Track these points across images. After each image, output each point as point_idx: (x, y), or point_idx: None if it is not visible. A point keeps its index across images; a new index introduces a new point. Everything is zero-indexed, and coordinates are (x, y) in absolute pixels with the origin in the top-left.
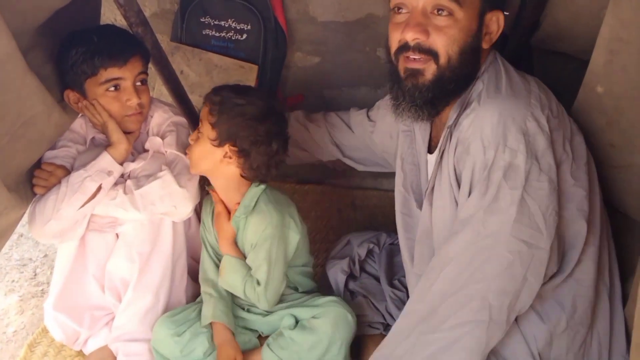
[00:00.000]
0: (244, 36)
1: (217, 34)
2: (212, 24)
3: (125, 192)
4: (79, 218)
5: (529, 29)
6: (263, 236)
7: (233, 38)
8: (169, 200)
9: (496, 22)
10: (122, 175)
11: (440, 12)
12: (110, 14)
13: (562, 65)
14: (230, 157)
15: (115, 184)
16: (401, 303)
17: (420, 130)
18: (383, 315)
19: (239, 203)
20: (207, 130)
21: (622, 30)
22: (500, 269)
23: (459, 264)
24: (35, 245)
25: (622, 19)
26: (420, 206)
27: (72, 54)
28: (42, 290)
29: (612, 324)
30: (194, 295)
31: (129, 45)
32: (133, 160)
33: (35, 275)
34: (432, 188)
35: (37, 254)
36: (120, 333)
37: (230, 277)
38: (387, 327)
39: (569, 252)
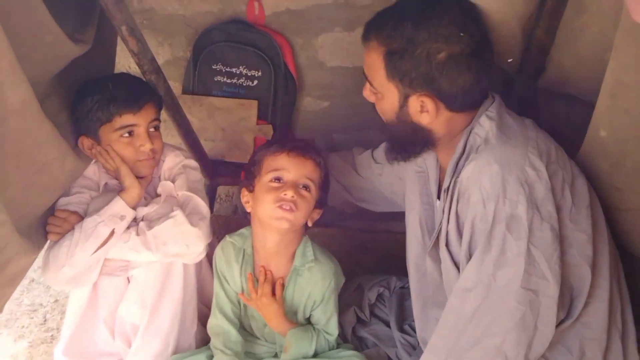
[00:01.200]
0: (255, 82)
1: (229, 81)
2: (223, 70)
3: (137, 234)
4: (93, 263)
5: (534, 72)
6: (330, 288)
7: (244, 84)
8: (181, 240)
9: (428, 104)
10: (134, 220)
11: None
12: (125, 62)
13: (569, 107)
14: (314, 217)
15: (128, 227)
16: (412, 349)
17: (432, 172)
18: None
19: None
20: (313, 189)
21: (623, 74)
22: (514, 322)
23: (473, 320)
24: (46, 290)
25: (623, 62)
26: (426, 249)
27: (88, 101)
28: (52, 336)
29: None
30: (204, 341)
31: (143, 92)
32: (146, 205)
33: (45, 320)
34: (438, 241)
35: (48, 299)
36: None
37: (302, 347)
38: None
39: (575, 297)
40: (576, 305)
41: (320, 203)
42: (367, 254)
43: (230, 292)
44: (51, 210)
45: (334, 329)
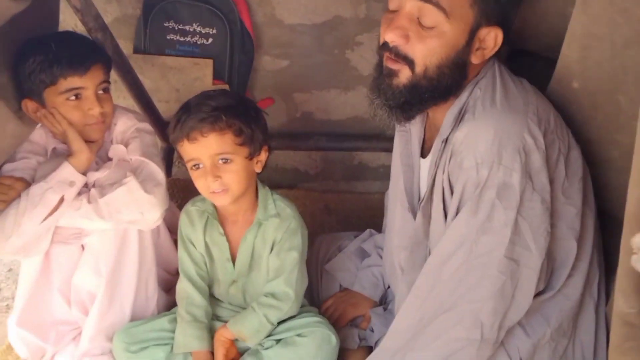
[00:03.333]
0: (210, 40)
1: (182, 39)
2: (176, 28)
3: (89, 202)
4: (42, 232)
5: None
6: (289, 231)
7: (199, 42)
8: (135, 207)
9: (493, 38)
10: (86, 186)
11: (424, 25)
12: (71, 20)
13: (530, 64)
14: (262, 160)
15: (79, 194)
16: (383, 313)
17: (415, 131)
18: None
19: (250, 211)
20: (237, 153)
21: (593, 26)
22: (493, 290)
23: (451, 283)
24: None
25: (592, 14)
26: (411, 210)
27: (30, 62)
28: (7, 305)
29: (596, 336)
30: (167, 306)
31: (89, 52)
32: (97, 170)
33: (0, 290)
34: (429, 199)
35: (1, 268)
36: (87, 348)
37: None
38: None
39: (558, 270)
40: (558, 278)
41: (260, 144)
42: (331, 215)
43: (195, 254)
44: None
45: (286, 275)
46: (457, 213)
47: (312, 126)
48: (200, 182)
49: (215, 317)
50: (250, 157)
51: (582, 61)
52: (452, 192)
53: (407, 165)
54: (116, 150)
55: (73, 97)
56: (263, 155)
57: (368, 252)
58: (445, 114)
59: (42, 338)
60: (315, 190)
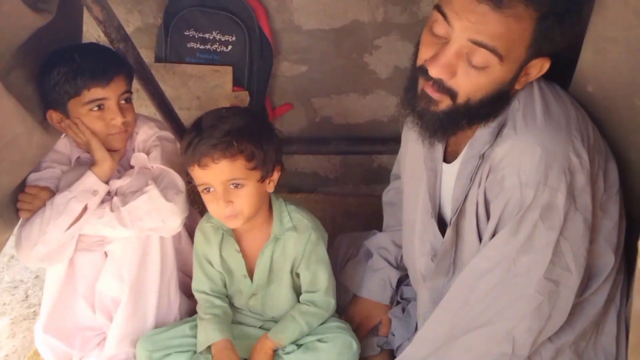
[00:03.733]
0: (229, 47)
1: (202, 47)
2: (196, 36)
3: (111, 210)
4: (67, 240)
5: None
6: (310, 243)
7: (218, 50)
8: (156, 215)
9: (539, 67)
10: (108, 194)
11: (473, 64)
12: (94, 31)
13: (552, 65)
14: (274, 179)
15: (102, 202)
16: (403, 316)
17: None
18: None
19: (266, 225)
20: (249, 177)
21: (608, 28)
22: (529, 310)
23: (486, 300)
24: (26, 266)
25: (607, 16)
26: (434, 216)
27: (54, 74)
28: (34, 312)
29: (618, 340)
30: (189, 312)
31: (112, 64)
32: (119, 178)
33: (27, 297)
34: (460, 213)
35: (29, 276)
36: (112, 353)
37: (290, 335)
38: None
39: (593, 279)
40: (590, 286)
41: (272, 165)
42: (351, 219)
43: (210, 271)
44: (22, 187)
45: (323, 286)
46: (495, 230)
47: (331, 130)
48: (212, 206)
49: (236, 322)
50: (262, 179)
51: (597, 65)
52: (486, 208)
53: (431, 170)
54: (138, 159)
55: (96, 108)
56: (276, 175)
57: (372, 253)
58: (478, 127)
59: (68, 344)
60: (335, 194)
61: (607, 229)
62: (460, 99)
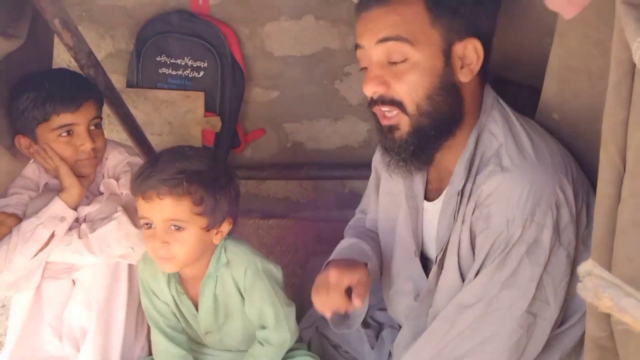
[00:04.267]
0: (201, 73)
1: (174, 72)
2: (168, 62)
3: (79, 237)
4: (34, 267)
5: None
6: (247, 277)
7: (190, 76)
8: (125, 242)
9: (473, 50)
10: (77, 220)
11: (394, 61)
12: (65, 55)
13: (515, 93)
14: (223, 231)
15: (70, 228)
16: (376, 343)
17: (419, 173)
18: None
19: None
20: (193, 222)
21: (570, 58)
22: (510, 344)
23: (467, 333)
24: None
25: (569, 47)
26: (417, 254)
27: (23, 99)
28: (0, 342)
29: None
30: None
31: (81, 89)
32: (88, 204)
33: None
34: (446, 250)
35: None
36: None
37: None
38: None
39: (575, 308)
40: (574, 314)
41: (223, 216)
42: (323, 244)
43: (159, 305)
44: None
45: (271, 323)
46: (480, 267)
47: (303, 156)
48: (149, 244)
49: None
50: (208, 228)
51: (561, 93)
52: (471, 243)
53: (413, 208)
54: (107, 185)
55: (65, 134)
56: (225, 227)
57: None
58: (457, 161)
59: None
60: (308, 219)
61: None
62: (410, 107)
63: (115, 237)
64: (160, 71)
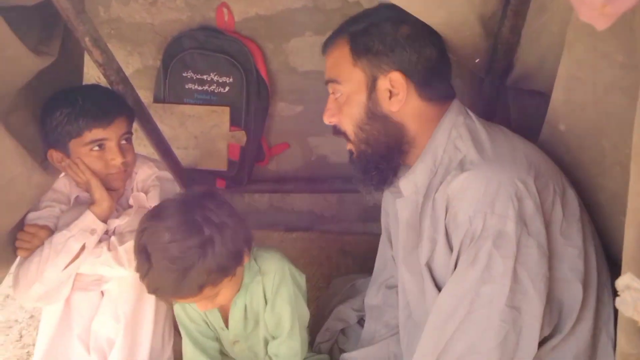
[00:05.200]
0: (227, 89)
1: (200, 88)
2: (194, 78)
3: (109, 249)
4: (64, 279)
5: (503, 71)
6: (274, 282)
7: (216, 91)
8: None
9: (395, 82)
10: (106, 233)
11: (336, 97)
12: (94, 72)
13: (538, 103)
14: (243, 262)
15: (100, 241)
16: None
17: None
18: None
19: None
20: (221, 287)
21: (577, 69)
22: (497, 341)
23: (455, 335)
24: (21, 306)
25: (576, 58)
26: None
27: (56, 115)
28: (28, 352)
29: None
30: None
31: (113, 105)
32: (117, 217)
33: (21, 337)
34: (429, 263)
35: (23, 316)
36: None
37: None
38: None
39: (567, 313)
40: (566, 321)
41: (242, 252)
42: (347, 257)
43: (192, 312)
44: (20, 226)
45: (286, 328)
46: (455, 266)
47: (327, 169)
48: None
49: None
50: (235, 273)
51: (567, 104)
52: (450, 247)
53: (399, 223)
54: (137, 198)
55: (97, 148)
56: (246, 257)
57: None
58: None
59: None
60: (331, 232)
61: (571, 257)
62: (351, 136)
63: None
64: (186, 87)
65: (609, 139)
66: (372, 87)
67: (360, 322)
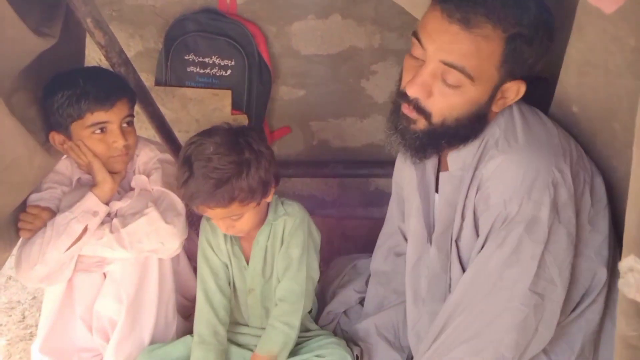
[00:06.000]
0: (229, 72)
1: (202, 71)
2: (196, 61)
3: (111, 231)
4: (66, 260)
5: None
6: (295, 226)
7: (217, 74)
8: (155, 237)
9: (515, 91)
10: (108, 215)
11: (446, 82)
12: (96, 54)
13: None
14: (273, 192)
15: (102, 223)
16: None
17: (430, 165)
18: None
19: (263, 216)
20: (247, 209)
21: (588, 53)
22: (515, 323)
23: (472, 313)
24: (24, 287)
25: (587, 41)
26: (429, 240)
27: (58, 97)
28: (31, 333)
29: None
30: (185, 333)
31: (115, 88)
32: (120, 199)
33: (24, 318)
34: (443, 232)
35: (26, 297)
36: None
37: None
38: None
39: (586, 296)
40: (582, 303)
41: (270, 185)
42: (348, 241)
43: (215, 262)
44: (22, 207)
45: (294, 269)
46: (482, 247)
47: (329, 154)
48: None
49: (234, 343)
50: (260, 202)
51: (579, 87)
52: (476, 230)
53: (424, 198)
54: (138, 181)
55: (99, 131)
56: (273, 189)
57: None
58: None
59: None
60: (333, 217)
61: (597, 243)
62: (436, 119)
63: (146, 232)
64: (188, 69)
65: (621, 121)
66: (496, 90)
67: (362, 302)
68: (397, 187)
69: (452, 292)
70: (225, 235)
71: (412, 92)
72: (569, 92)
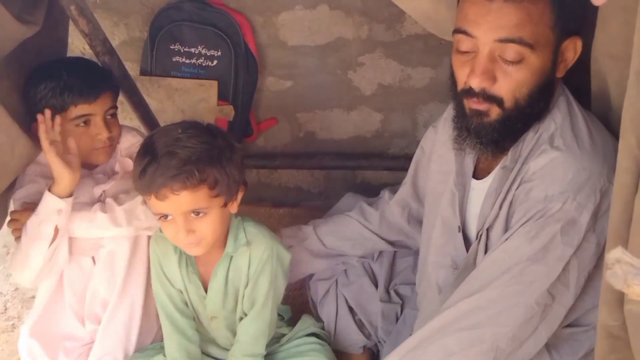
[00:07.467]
0: (215, 62)
1: (188, 61)
2: (182, 50)
3: (104, 211)
4: (51, 254)
5: None
6: (262, 260)
7: (204, 64)
8: (152, 215)
9: (573, 49)
10: (100, 198)
11: (507, 59)
12: (79, 43)
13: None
14: (238, 200)
15: (91, 205)
16: (394, 319)
17: (470, 152)
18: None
19: (224, 243)
20: (212, 205)
21: (611, 45)
22: (524, 319)
23: (483, 299)
24: (6, 278)
25: (609, 33)
26: (461, 230)
27: (41, 88)
28: (13, 325)
29: None
30: None
31: (99, 80)
32: (104, 183)
33: (6, 309)
34: (491, 227)
35: (8, 288)
36: (101, 353)
37: None
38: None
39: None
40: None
41: (237, 187)
42: None
43: (171, 290)
44: (5, 196)
45: (260, 301)
46: (512, 234)
47: (315, 145)
48: (171, 233)
49: (206, 354)
50: (226, 204)
51: (603, 82)
52: (507, 219)
53: (461, 185)
54: (122, 163)
55: (82, 124)
56: (239, 195)
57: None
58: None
59: (50, 352)
60: (319, 208)
61: None
62: (508, 103)
63: (143, 209)
64: (174, 59)
65: None
66: (557, 52)
67: (363, 263)
68: (425, 178)
69: (469, 278)
70: (179, 258)
71: (476, 83)
72: (596, 88)
